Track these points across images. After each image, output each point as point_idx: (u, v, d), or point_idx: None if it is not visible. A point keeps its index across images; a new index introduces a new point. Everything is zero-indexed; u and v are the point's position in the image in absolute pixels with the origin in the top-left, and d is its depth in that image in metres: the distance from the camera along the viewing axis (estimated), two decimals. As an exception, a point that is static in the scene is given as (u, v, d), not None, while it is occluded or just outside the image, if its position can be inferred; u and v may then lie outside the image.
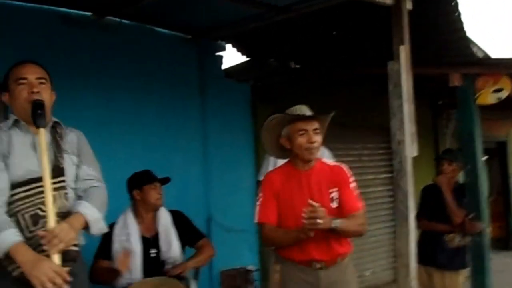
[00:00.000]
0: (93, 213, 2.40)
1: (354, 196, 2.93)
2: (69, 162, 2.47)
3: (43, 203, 2.27)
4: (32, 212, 2.31)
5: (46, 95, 2.43)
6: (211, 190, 5.40)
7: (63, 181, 2.41)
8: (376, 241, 7.37)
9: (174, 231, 3.72)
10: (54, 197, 2.29)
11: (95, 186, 2.51)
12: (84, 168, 2.52)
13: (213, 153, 5.44)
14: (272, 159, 4.25)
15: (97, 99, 4.59)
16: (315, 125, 2.87)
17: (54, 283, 2.10)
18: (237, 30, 5.13)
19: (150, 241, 3.67)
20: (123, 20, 4.75)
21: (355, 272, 3.11)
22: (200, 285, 3.93)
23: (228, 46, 5.76)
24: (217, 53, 5.68)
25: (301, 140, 2.85)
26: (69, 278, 2.15)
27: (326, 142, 3.12)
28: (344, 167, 3.00)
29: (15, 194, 2.32)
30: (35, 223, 2.30)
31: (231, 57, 6.00)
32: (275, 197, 2.92)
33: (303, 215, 2.66)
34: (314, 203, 2.65)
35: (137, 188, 3.72)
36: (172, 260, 3.65)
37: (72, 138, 2.54)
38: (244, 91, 5.89)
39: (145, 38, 4.99)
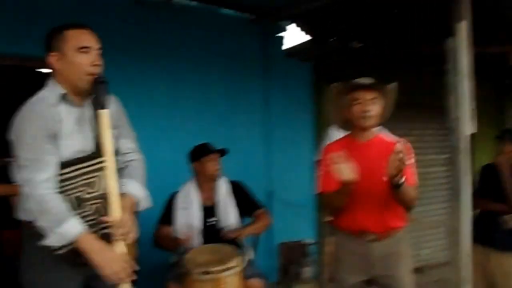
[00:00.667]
0: (140, 192, 2.37)
1: (410, 171, 2.86)
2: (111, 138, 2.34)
3: (88, 184, 2.22)
4: (78, 194, 2.22)
5: (101, 68, 2.26)
6: (272, 166, 5.48)
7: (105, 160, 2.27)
8: (435, 221, 7.28)
9: (232, 201, 3.84)
10: (99, 178, 2.25)
11: (135, 160, 2.45)
12: (122, 141, 2.43)
13: (275, 130, 5.51)
14: (330, 135, 4.33)
15: (167, 78, 4.75)
16: (372, 94, 2.85)
17: (125, 272, 2.12)
18: (300, 9, 5.06)
19: (209, 210, 3.80)
20: (191, 2, 4.85)
21: (409, 246, 3.06)
22: (259, 256, 4.03)
23: (291, 26, 5.73)
24: (280, 33, 5.70)
25: (356, 108, 2.86)
26: (136, 267, 2.17)
27: (385, 122, 3.08)
28: (406, 143, 2.89)
29: (61, 174, 2.20)
30: (80, 204, 2.22)
31: (294, 36, 6.02)
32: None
33: (395, 156, 2.55)
34: (399, 147, 2.57)
35: (196, 160, 3.86)
36: (229, 228, 3.76)
37: (111, 109, 2.32)
38: (306, 70, 5.90)
39: (211, 19, 5.07)
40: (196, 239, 3.70)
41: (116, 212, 2.17)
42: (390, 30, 5.70)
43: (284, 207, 5.43)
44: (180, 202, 3.81)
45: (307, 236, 5.67)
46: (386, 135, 3.11)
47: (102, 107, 2.19)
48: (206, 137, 4.05)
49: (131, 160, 2.44)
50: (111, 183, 2.17)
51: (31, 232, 2.20)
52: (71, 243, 2.12)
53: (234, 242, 3.67)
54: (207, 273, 3.20)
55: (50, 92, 2.24)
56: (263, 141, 5.47)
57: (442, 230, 7.42)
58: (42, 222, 2.12)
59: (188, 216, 3.76)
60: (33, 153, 2.13)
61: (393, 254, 2.93)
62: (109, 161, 2.18)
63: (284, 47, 5.80)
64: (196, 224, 3.74)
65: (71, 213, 2.15)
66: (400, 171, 2.59)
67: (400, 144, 2.62)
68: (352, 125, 2.97)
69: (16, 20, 3.99)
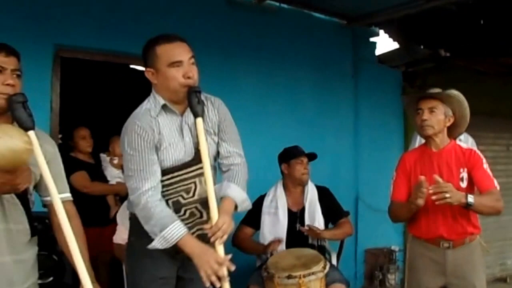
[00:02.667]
0: (240, 195, 2.33)
1: (488, 174, 2.82)
2: (211, 144, 2.34)
3: (184, 190, 2.25)
4: (175, 199, 2.26)
5: (197, 75, 2.24)
6: (360, 170, 5.33)
7: (201, 167, 2.26)
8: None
9: (319, 207, 3.69)
10: (195, 184, 2.27)
11: (236, 164, 2.40)
12: (224, 145, 2.39)
13: (364, 135, 5.38)
14: (417, 140, 4.14)
15: (257, 78, 4.69)
16: (430, 104, 2.84)
17: (217, 275, 2.10)
18: (390, 16, 4.98)
19: (296, 215, 3.68)
20: (282, 4, 4.79)
21: (483, 256, 2.97)
22: (344, 261, 3.90)
23: (381, 32, 5.62)
24: (371, 39, 5.59)
25: (417, 118, 2.88)
26: (233, 268, 2.13)
27: (471, 130, 3.12)
28: (477, 151, 2.91)
29: (161, 181, 2.25)
30: (177, 210, 2.25)
31: (384, 43, 5.94)
32: (407, 176, 2.92)
33: (430, 191, 2.60)
34: (438, 179, 2.60)
35: (285, 162, 3.74)
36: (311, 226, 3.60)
37: (212, 114, 2.35)
38: (395, 76, 5.76)
39: (302, 22, 4.98)
40: (281, 244, 3.58)
41: (214, 216, 2.17)
42: (478, 40, 5.49)
43: (371, 212, 5.24)
44: (266, 206, 3.70)
45: (394, 243, 5.43)
46: (461, 143, 3.06)
47: (196, 115, 2.20)
48: (294, 141, 3.92)
49: (233, 164, 2.41)
50: (209, 188, 2.18)
51: (137, 224, 2.28)
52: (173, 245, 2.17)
53: (318, 247, 3.55)
54: (290, 277, 3.11)
55: (151, 104, 2.27)
56: (352, 146, 5.32)
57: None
58: (147, 227, 2.20)
59: (275, 221, 3.64)
60: (138, 164, 2.20)
61: (468, 262, 2.86)
62: (205, 167, 2.19)
63: (375, 52, 5.71)
64: (282, 230, 3.62)
65: (174, 218, 2.19)
66: (453, 201, 2.61)
67: (436, 177, 2.62)
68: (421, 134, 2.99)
69: (112, 18, 4.06)
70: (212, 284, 2.13)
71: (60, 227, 1.94)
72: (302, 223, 3.65)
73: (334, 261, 3.73)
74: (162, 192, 2.24)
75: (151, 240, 2.20)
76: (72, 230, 1.93)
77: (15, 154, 1.80)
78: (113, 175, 4.53)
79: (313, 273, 3.13)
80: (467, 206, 2.65)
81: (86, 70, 5.77)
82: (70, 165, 4.06)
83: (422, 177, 2.63)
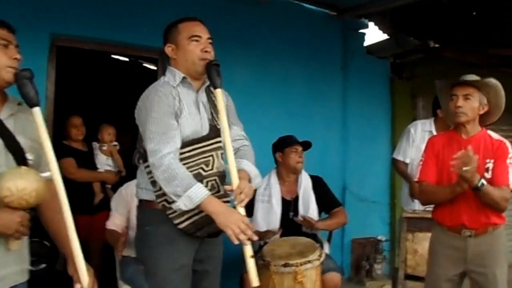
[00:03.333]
0: (253, 170, 2.43)
1: (507, 171, 2.79)
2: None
3: (204, 163, 2.30)
4: (195, 172, 2.28)
5: (213, 53, 2.39)
6: (348, 161, 5.37)
7: (219, 141, 2.37)
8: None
9: (313, 196, 3.71)
10: (213, 157, 2.33)
11: (245, 145, 2.54)
12: (234, 128, 2.50)
13: (352, 125, 5.41)
14: (410, 136, 4.17)
15: (248, 69, 4.70)
16: (466, 91, 2.81)
17: (245, 234, 2.14)
18: (380, 7, 4.99)
19: (290, 203, 3.70)
20: None
21: (507, 244, 2.95)
22: (332, 251, 3.92)
23: (371, 24, 5.63)
24: (360, 30, 5.60)
25: (451, 104, 2.86)
26: (255, 238, 2.21)
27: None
28: (507, 143, 2.87)
29: (181, 153, 2.28)
30: (199, 182, 2.26)
31: (373, 34, 5.94)
32: (436, 158, 2.90)
33: (454, 156, 2.58)
34: (470, 149, 2.55)
35: (280, 150, 3.77)
36: (305, 216, 3.62)
37: (223, 99, 2.44)
38: (384, 67, 5.79)
39: (293, 13, 4.99)
40: (275, 227, 3.59)
41: (235, 180, 2.23)
42: (468, 30, 5.50)
43: (358, 202, 5.30)
44: (260, 193, 3.70)
45: (380, 233, 5.48)
46: (492, 133, 3.01)
47: (215, 87, 2.30)
48: (284, 131, 3.94)
49: (243, 145, 2.53)
50: (229, 155, 2.24)
51: (151, 211, 2.35)
52: (198, 206, 2.20)
53: (312, 236, 3.55)
54: (287, 265, 3.11)
55: (170, 77, 2.38)
56: (340, 136, 5.36)
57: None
58: (170, 188, 2.19)
59: (268, 209, 3.66)
60: (160, 127, 2.24)
61: (489, 251, 2.83)
62: (225, 135, 2.26)
63: (365, 44, 5.71)
64: (275, 217, 3.64)
65: (196, 180, 2.22)
66: (467, 176, 2.58)
67: (469, 147, 2.59)
68: (452, 121, 2.97)
69: (107, 8, 4.08)
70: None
71: (47, 207, 1.96)
72: (296, 211, 3.67)
73: (327, 250, 3.75)
74: (184, 164, 2.26)
75: (172, 227, 2.27)
76: (56, 207, 1.91)
77: (42, 193, 1.83)
78: (102, 162, 4.54)
79: (309, 262, 3.15)
80: (476, 189, 2.64)
81: (81, 59, 5.84)
82: (60, 152, 4.19)
83: (470, 147, 2.58)
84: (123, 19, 4.08)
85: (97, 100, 6.94)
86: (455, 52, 6.00)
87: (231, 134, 2.41)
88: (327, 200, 3.81)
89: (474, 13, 5.21)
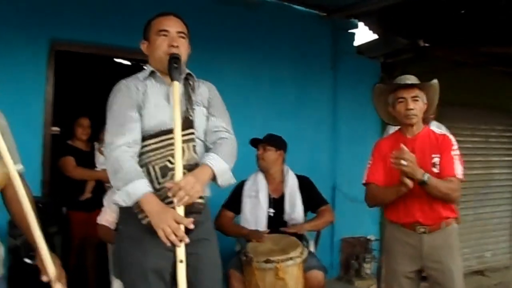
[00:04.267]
0: (220, 164, 2.25)
1: (453, 162, 2.85)
2: (199, 114, 2.37)
3: (172, 155, 2.18)
4: (162, 164, 2.23)
5: (183, 49, 2.35)
6: (338, 160, 5.41)
7: (192, 133, 2.30)
8: (498, 223, 6.99)
9: (299, 195, 3.75)
10: (183, 149, 2.21)
11: (223, 138, 2.38)
12: (213, 119, 2.41)
13: (342, 125, 5.45)
14: (391, 131, 4.23)
15: (239, 71, 4.77)
16: (413, 92, 2.89)
17: (176, 235, 2.03)
18: (369, 7, 5.01)
19: (276, 201, 3.74)
20: None
21: (458, 239, 2.99)
22: (321, 250, 3.97)
23: (360, 24, 5.65)
24: (350, 30, 5.64)
25: (400, 107, 2.91)
26: (192, 227, 2.07)
27: (450, 121, 3.09)
28: (450, 136, 2.97)
29: (147, 145, 2.25)
30: (164, 175, 2.22)
31: (363, 34, 5.97)
32: (383, 161, 2.96)
33: (391, 155, 2.68)
34: (404, 147, 2.66)
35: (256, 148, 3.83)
36: (294, 222, 3.68)
37: (204, 90, 2.44)
38: (374, 67, 5.82)
39: (283, 14, 5.04)
40: (261, 229, 3.64)
41: (178, 175, 2.12)
42: (457, 30, 5.54)
43: (347, 202, 5.34)
44: (247, 189, 3.76)
45: (370, 232, 5.54)
46: (435, 129, 3.13)
47: (172, 79, 2.24)
48: (274, 131, 3.98)
49: (220, 138, 2.38)
50: (176, 147, 2.12)
51: (126, 211, 2.26)
52: (135, 203, 2.12)
53: (296, 234, 3.59)
54: (268, 261, 3.18)
55: (142, 72, 2.39)
56: (330, 135, 5.40)
57: (505, 232, 7.13)
58: (114, 181, 2.17)
59: (256, 204, 3.71)
60: (117, 120, 2.24)
61: (444, 246, 2.89)
62: (176, 127, 2.15)
63: (354, 44, 5.73)
64: (262, 213, 3.69)
65: (142, 176, 2.16)
66: (408, 170, 2.66)
67: (402, 145, 2.68)
68: (399, 122, 3.04)
69: (105, 12, 4.18)
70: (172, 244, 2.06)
71: (12, 199, 1.93)
72: (282, 210, 3.72)
73: (312, 248, 3.80)
74: (149, 156, 2.24)
75: (138, 224, 2.17)
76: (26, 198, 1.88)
77: None
78: (100, 161, 4.68)
79: (291, 258, 3.20)
80: (422, 183, 2.71)
81: (83, 63, 6.02)
82: (62, 151, 4.50)
83: (402, 145, 2.69)
84: (122, 23, 4.17)
85: (100, 103, 7.07)
86: (444, 51, 6.03)
87: (209, 126, 2.40)
88: (313, 199, 3.85)
89: (462, 12, 5.24)
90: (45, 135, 4.09)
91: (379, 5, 4.88)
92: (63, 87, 4.36)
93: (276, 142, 3.83)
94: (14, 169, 1.84)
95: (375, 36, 5.85)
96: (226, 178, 2.30)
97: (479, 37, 5.52)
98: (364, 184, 3.05)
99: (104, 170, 4.41)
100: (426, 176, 2.70)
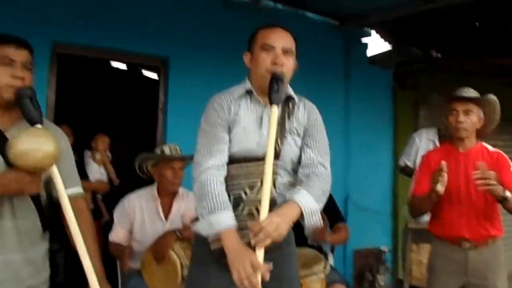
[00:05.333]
0: (309, 204, 2.03)
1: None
2: (290, 143, 2.16)
3: (249, 185, 2.06)
4: (237, 193, 2.08)
5: (289, 67, 2.16)
6: (350, 170, 5.40)
7: (275, 165, 2.05)
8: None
9: None
10: (261, 182, 2.01)
11: (317, 173, 2.15)
12: (307, 152, 2.18)
13: (354, 135, 5.45)
14: (415, 144, 4.18)
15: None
16: (466, 106, 2.86)
17: (250, 281, 1.86)
18: (383, 17, 5.03)
19: None
20: (277, 4, 4.86)
21: (506, 257, 2.96)
22: (334, 262, 3.91)
23: (373, 33, 5.67)
24: (363, 40, 5.66)
25: (451, 119, 2.89)
26: (267, 278, 1.88)
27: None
28: (503, 154, 2.95)
29: (227, 170, 2.10)
30: (237, 205, 2.07)
31: (375, 44, 5.99)
32: (431, 174, 2.84)
33: (474, 175, 2.60)
34: (482, 165, 2.60)
35: None
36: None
37: (303, 116, 2.23)
38: (386, 77, 5.84)
39: (296, 22, 4.90)
40: None
41: (263, 215, 1.93)
42: (470, 41, 5.55)
43: (360, 212, 5.33)
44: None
45: (383, 243, 5.53)
46: (487, 145, 3.07)
47: (271, 102, 2.04)
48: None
49: (313, 173, 2.15)
50: (265, 180, 1.95)
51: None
52: (216, 235, 1.99)
53: (315, 247, 3.52)
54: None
55: (238, 87, 2.20)
56: (342, 146, 5.39)
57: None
58: (199, 207, 2.05)
59: None
60: (207, 139, 2.10)
61: (490, 263, 2.86)
62: (268, 160, 1.97)
63: (367, 53, 5.76)
64: None
65: (228, 207, 2.01)
66: (491, 190, 2.60)
67: (481, 163, 2.63)
68: (451, 134, 3.01)
69: (108, 16, 4.15)
70: None
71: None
72: (300, 222, 3.63)
73: (331, 261, 3.72)
74: (227, 183, 2.08)
75: (208, 251, 2.06)
76: (82, 226, 1.93)
77: (45, 157, 1.84)
78: (94, 170, 4.61)
79: (314, 274, 3.09)
80: (503, 200, 2.65)
81: (80, 67, 5.93)
82: None
83: (444, 162, 2.65)
84: (124, 27, 4.15)
85: (92, 108, 7.03)
86: (457, 62, 6.04)
87: (303, 158, 2.18)
88: (331, 214, 3.73)
89: (477, 24, 5.25)
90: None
91: (393, 15, 4.90)
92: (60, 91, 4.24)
93: None
94: (63, 193, 1.89)
95: (388, 46, 5.87)
96: (315, 220, 2.07)
97: (492, 48, 5.53)
98: (411, 197, 3.02)
99: (99, 180, 4.59)
100: (508, 193, 2.64)
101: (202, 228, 2.02)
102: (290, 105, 2.21)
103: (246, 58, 2.22)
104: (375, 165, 5.55)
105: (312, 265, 3.14)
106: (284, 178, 2.15)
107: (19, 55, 1.99)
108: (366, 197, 5.45)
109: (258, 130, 2.12)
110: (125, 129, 6.68)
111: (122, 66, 6.85)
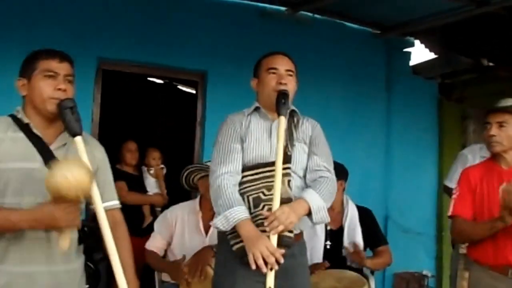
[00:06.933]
0: (317, 201, 2.39)
1: None
2: (299, 150, 2.52)
3: (266, 187, 2.40)
4: (255, 195, 2.41)
5: (291, 86, 2.53)
6: (391, 188, 5.28)
7: (288, 168, 2.44)
8: None
9: (359, 228, 3.61)
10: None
11: (324, 177, 2.50)
12: (314, 158, 2.54)
13: (396, 151, 5.32)
14: (468, 162, 3.92)
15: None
16: (500, 118, 2.74)
17: (266, 260, 2.18)
18: (428, 25, 4.89)
19: (334, 233, 3.60)
20: (315, 15, 4.81)
21: None
22: (375, 286, 3.79)
23: (416, 42, 5.53)
24: (406, 49, 5.54)
25: (485, 132, 2.80)
26: (282, 260, 2.20)
27: None
28: None
29: (244, 176, 2.45)
30: (256, 205, 2.39)
31: (419, 53, 5.81)
32: (472, 192, 2.77)
33: (501, 199, 2.45)
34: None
35: None
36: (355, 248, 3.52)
37: (307, 127, 2.60)
38: (431, 89, 5.68)
39: (335, 32, 5.01)
40: (318, 258, 3.49)
41: (275, 205, 2.28)
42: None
43: (401, 234, 5.18)
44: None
45: (425, 267, 5.30)
46: None
47: (279, 114, 2.41)
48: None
49: (321, 177, 2.50)
50: (276, 179, 2.28)
51: (222, 238, 2.50)
52: (232, 227, 2.31)
53: (357, 270, 3.45)
54: (332, 300, 3.04)
55: (248, 108, 2.61)
56: (383, 162, 5.28)
57: None
58: (216, 207, 2.39)
59: (312, 235, 3.52)
60: (221, 150, 2.48)
61: None
62: (278, 160, 2.31)
63: (410, 63, 5.63)
64: (319, 245, 3.55)
65: (241, 202, 2.35)
66: None
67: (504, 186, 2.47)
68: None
69: (151, 32, 4.37)
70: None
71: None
72: (340, 243, 3.58)
73: (373, 285, 3.62)
74: (245, 187, 2.43)
75: (232, 254, 2.36)
76: (118, 238, 2.09)
77: (84, 187, 1.87)
78: (151, 185, 4.81)
79: None
80: None
81: (119, 82, 6.17)
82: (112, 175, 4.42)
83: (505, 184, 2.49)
84: (165, 43, 4.36)
85: (140, 123, 7.35)
86: (510, 71, 5.75)
87: (310, 164, 2.53)
88: (373, 236, 3.70)
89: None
90: (92, 157, 4.17)
91: (439, 22, 4.76)
92: (106, 107, 4.51)
93: (337, 170, 3.67)
94: (100, 206, 1.98)
95: (431, 55, 5.69)
96: (321, 216, 2.42)
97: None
98: (450, 217, 2.88)
99: (157, 194, 4.75)
100: None
101: (220, 223, 2.33)
102: (295, 119, 2.59)
103: (253, 83, 2.64)
104: (418, 183, 5.40)
105: (355, 288, 3.12)
106: (297, 182, 2.49)
107: (62, 68, 2.10)
108: (408, 217, 5.29)
109: (269, 139, 2.51)
110: (163, 143, 6.82)
111: (159, 80, 7.10)
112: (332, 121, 4.89)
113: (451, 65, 5.75)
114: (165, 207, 4.46)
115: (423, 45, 5.62)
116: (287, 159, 2.43)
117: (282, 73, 2.52)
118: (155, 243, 3.44)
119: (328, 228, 3.60)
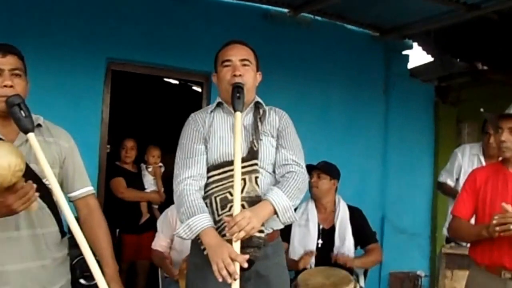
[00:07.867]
0: (282, 201, 2.24)
1: None
2: (267, 145, 2.38)
3: (232, 187, 2.21)
4: (222, 195, 2.28)
5: (248, 77, 2.37)
6: (388, 189, 5.34)
7: (255, 164, 2.31)
8: None
9: (349, 227, 3.70)
10: (244, 181, 2.26)
11: (292, 172, 2.34)
12: (282, 152, 2.38)
13: (393, 153, 5.38)
14: (457, 159, 4.12)
15: (289, 94, 4.79)
16: (511, 123, 2.72)
17: (227, 270, 2.05)
18: (425, 28, 4.97)
19: (326, 232, 3.69)
20: (316, 17, 4.87)
21: None
22: (368, 285, 3.90)
23: (414, 45, 5.59)
24: (404, 52, 5.59)
25: (496, 137, 2.81)
26: (245, 265, 2.09)
27: None
28: None
29: (210, 176, 2.32)
30: (223, 207, 2.27)
31: (416, 56, 5.86)
32: (475, 193, 2.81)
33: (494, 220, 2.50)
34: (507, 207, 2.48)
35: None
36: (341, 253, 3.61)
37: (274, 119, 2.44)
38: (428, 91, 5.74)
39: (335, 34, 5.06)
40: (312, 258, 3.59)
41: (236, 210, 2.16)
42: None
43: (397, 234, 5.26)
44: (297, 217, 3.67)
45: (420, 267, 5.39)
46: None
47: (234, 110, 2.29)
48: (321, 156, 3.95)
49: (289, 172, 2.35)
50: (235, 180, 2.16)
51: (194, 242, 2.37)
52: (196, 236, 2.21)
53: (346, 268, 3.52)
54: (320, 297, 3.12)
55: (211, 104, 2.50)
56: (380, 163, 5.34)
57: None
58: (178, 214, 2.29)
59: (305, 233, 3.68)
60: (184, 153, 2.36)
61: None
62: (236, 159, 2.19)
63: (408, 66, 5.68)
64: (312, 242, 3.65)
65: (204, 210, 2.24)
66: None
67: (504, 205, 2.51)
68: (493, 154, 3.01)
69: (160, 33, 4.45)
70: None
71: (84, 222, 2.11)
72: (332, 241, 3.68)
73: (362, 283, 3.74)
74: (212, 188, 2.32)
75: (203, 256, 2.22)
76: (94, 222, 2.12)
77: (17, 169, 1.77)
78: (148, 181, 4.86)
79: None
80: None
81: (131, 82, 6.25)
82: (112, 172, 4.67)
83: (504, 204, 2.51)
84: (172, 44, 4.43)
85: (146, 122, 7.45)
86: (505, 75, 5.85)
87: (278, 158, 2.39)
88: (363, 234, 3.79)
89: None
90: (101, 156, 4.29)
91: (435, 25, 4.84)
92: (114, 106, 4.55)
93: (331, 170, 3.81)
94: (62, 198, 1.91)
95: (429, 58, 5.74)
96: (289, 216, 2.29)
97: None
98: (452, 217, 2.92)
99: (154, 191, 4.84)
100: None
101: (183, 232, 2.23)
102: (261, 111, 2.44)
103: (214, 78, 2.49)
104: (414, 184, 5.48)
105: (341, 286, 3.18)
106: (267, 179, 2.37)
107: (6, 62, 1.97)
108: (404, 218, 5.38)
109: (233, 136, 2.34)
110: (170, 142, 6.79)
111: (171, 80, 7.16)
112: (332, 123, 5.02)
113: (447, 68, 5.81)
114: (162, 205, 4.55)
115: (420, 48, 5.72)
116: (254, 154, 2.31)
117: (236, 64, 2.36)
118: (159, 242, 3.59)
119: (321, 227, 3.70)
